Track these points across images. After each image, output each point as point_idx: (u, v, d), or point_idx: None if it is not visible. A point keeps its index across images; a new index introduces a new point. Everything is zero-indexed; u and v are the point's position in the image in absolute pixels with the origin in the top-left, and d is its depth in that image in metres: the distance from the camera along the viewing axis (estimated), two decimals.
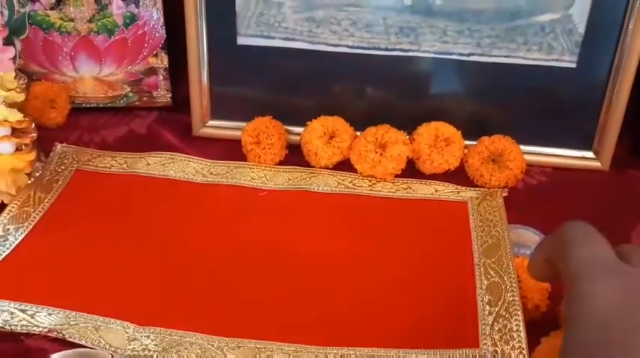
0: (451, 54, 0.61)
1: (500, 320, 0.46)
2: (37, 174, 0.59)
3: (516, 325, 0.45)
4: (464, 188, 0.60)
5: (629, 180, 0.63)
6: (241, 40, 0.63)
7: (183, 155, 0.64)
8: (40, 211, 0.56)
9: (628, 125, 0.63)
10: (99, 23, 0.66)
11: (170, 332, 0.45)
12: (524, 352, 0.43)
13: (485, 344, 0.44)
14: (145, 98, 0.70)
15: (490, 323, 0.46)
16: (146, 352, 0.44)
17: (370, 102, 0.65)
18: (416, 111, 0.63)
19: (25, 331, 0.45)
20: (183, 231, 0.55)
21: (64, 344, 0.43)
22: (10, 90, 0.53)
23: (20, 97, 0.54)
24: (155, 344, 0.44)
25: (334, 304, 0.49)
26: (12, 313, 0.46)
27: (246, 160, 0.63)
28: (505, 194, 0.59)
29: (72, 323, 0.45)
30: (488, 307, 0.47)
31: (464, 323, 0.46)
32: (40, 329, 0.45)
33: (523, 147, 0.61)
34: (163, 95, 0.70)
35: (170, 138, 0.67)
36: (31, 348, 0.43)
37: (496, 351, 0.44)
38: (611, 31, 0.59)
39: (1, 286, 0.48)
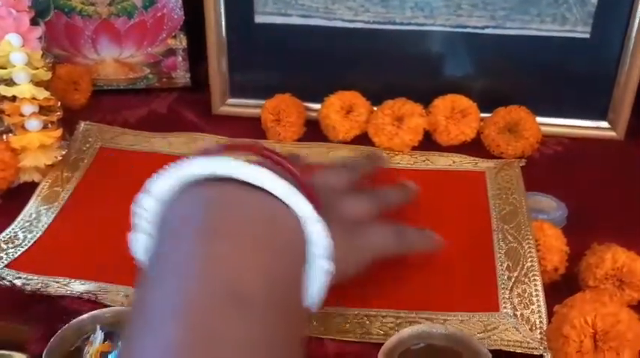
0: (465, 27, 0.62)
1: (520, 285, 0.47)
2: (64, 153, 0.61)
3: (535, 290, 0.46)
4: (481, 159, 0.61)
5: None
6: (259, 19, 0.64)
7: (204, 134, 0.65)
8: (68, 190, 0.58)
9: None
10: (119, 6, 0.68)
11: None
12: (543, 316, 0.44)
13: (506, 308, 0.45)
14: (164, 79, 0.72)
15: (510, 287, 0.47)
16: None
17: (386, 77, 0.66)
18: (432, 85, 0.64)
19: (59, 294, 0.46)
20: None
21: (98, 306, 0.44)
22: (37, 68, 0.55)
23: (47, 76, 0.56)
24: None
25: None
26: (47, 284, 0.48)
27: (265, 137, 0.64)
28: (522, 164, 0.60)
29: (103, 291, 0.47)
30: (507, 272, 0.48)
31: (484, 288, 0.47)
32: (74, 292, 0.46)
33: (539, 119, 0.62)
34: (182, 76, 0.71)
35: (190, 117, 0.68)
36: (67, 309, 0.44)
37: (516, 315, 0.45)
38: (624, 0, 0.60)
39: (36, 265, 0.50)
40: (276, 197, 0.35)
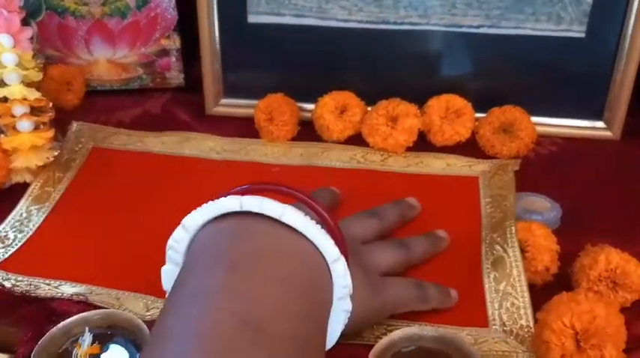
0: (460, 26, 0.62)
1: (508, 297, 0.46)
2: (56, 154, 0.60)
3: (523, 302, 0.45)
4: (476, 161, 0.60)
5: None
6: (252, 18, 0.64)
7: (197, 133, 0.65)
8: (59, 190, 0.58)
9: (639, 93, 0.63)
10: (112, 6, 0.67)
11: None
12: (532, 330, 0.44)
13: (495, 324, 0.45)
14: (158, 79, 0.71)
15: (498, 301, 0.46)
16: None
17: (380, 77, 0.65)
18: (426, 85, 0.64)
19: (49, 296, 0.46)
20: (199, 205, 0.56)
21: (88, 308, 0.44)
22: (28, 69, 0.55)
23: (38, 77, 0.55)
24: None
25: None
26: (36, 286, 0.47)
27: (259, 137, 0.64)
28: (517, 168, 0.59)
29: (94, 293, 0.47)
30: (494, 284, 0.47)
31: (473, 303, 0.46)
32: (64, 295, 0.46)
33: (534, 119, 0.62)
34: (176, 76, 0.71)
35: (184, 118, 0.68)
36: (56, 311, 0.44)
37: (505, 331, 0.44)
38: None
39: (26, 265, 0.50)
40: (305, 236, 0.36)
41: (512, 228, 0.50)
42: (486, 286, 0.47)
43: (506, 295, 0.46)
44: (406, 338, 0.40)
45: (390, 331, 0.42)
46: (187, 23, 0.68)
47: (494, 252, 0.50)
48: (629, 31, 0.60)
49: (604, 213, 0.55)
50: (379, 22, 0.63)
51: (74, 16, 0.67)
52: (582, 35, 0.61)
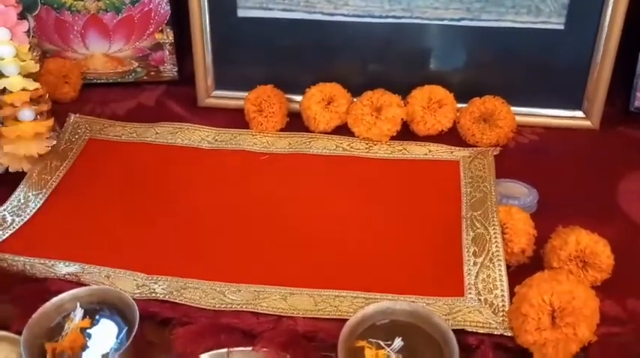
0: (442, 19, 0.64)
1: (485, 270, 0.49)
2: (54, 143, 0.62)
3: (500, 275, 0.48)
4: (457, 148, 0.62)
5: (618, 137, 0.65)
6: (242, 12, 0.66)
7: (189, 124, 0.67)
8: (56, 178, 0.60)
9: (619, 83, 0.65)
10: (107, 1, 0.69)
11: (176, 279, 0.49)
12: (506, 299, 0.46)
13: (470, 293, 0.47)
14: (152, 73, 0.73)
15: (475, 273, 0.49)
16: (153, 294, 0.47)
17: (366, 69, 0.67)
18: (410, 76, 0.66)
19: (43, 276, 0.48)
20: (190, 192, 0.59)
21: (80, 285, 0.46)
22: (25, 61, 0.57)
23: (35, 68, 0.57)
24: (162, 289, 0.48)
25: (330, 254, 0.52)
26: (32, 265, 0.50)
27: (249, 128, 0.66)
28: (496, 153, 0.61)
29: (86, 272, 0.49)
30: (473, 258, 0.50)
31: (450, 273, 0.49)
32: (58, 275, 0.48)
33: (514, 109, 0.64)
34: (170, 69, 0.73)
35: (177, 109, 0.70)
36: (49, 290, 0.46)
37: (480, 300, 0.46)
38: None
39: (23, 246, 0.52)
40: None
41: (494, 208, 0.53)
42: (465, 259, 0.50)
43: (484, 268, 0.49)
44: (380, 311, 0.42)
45: (367, 304, 0.44)
46: (180, 18, 0.70)
47: (475, 229, 0.52)
48: (607, 22, 0.61)
49: (581, 199, 0.57)
50: (364, 16, 0.65)
51: (70, 11, 0.70)
52: (561, 27, 0.63)
